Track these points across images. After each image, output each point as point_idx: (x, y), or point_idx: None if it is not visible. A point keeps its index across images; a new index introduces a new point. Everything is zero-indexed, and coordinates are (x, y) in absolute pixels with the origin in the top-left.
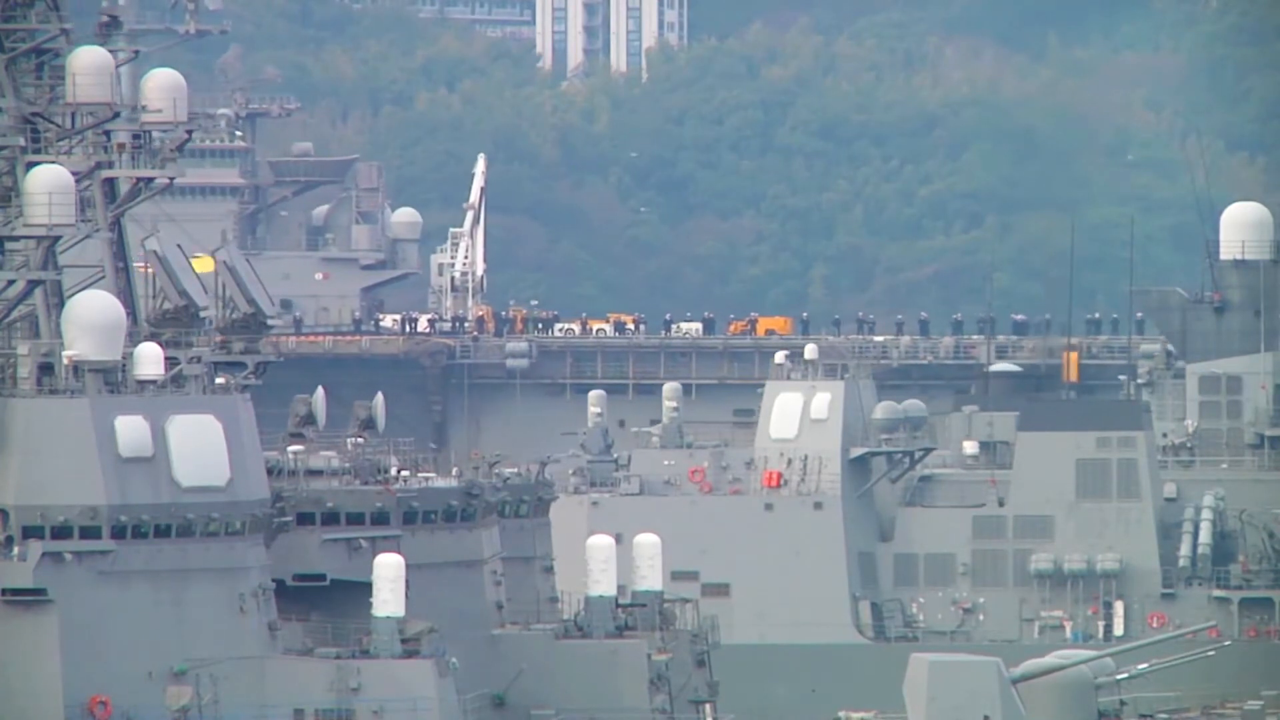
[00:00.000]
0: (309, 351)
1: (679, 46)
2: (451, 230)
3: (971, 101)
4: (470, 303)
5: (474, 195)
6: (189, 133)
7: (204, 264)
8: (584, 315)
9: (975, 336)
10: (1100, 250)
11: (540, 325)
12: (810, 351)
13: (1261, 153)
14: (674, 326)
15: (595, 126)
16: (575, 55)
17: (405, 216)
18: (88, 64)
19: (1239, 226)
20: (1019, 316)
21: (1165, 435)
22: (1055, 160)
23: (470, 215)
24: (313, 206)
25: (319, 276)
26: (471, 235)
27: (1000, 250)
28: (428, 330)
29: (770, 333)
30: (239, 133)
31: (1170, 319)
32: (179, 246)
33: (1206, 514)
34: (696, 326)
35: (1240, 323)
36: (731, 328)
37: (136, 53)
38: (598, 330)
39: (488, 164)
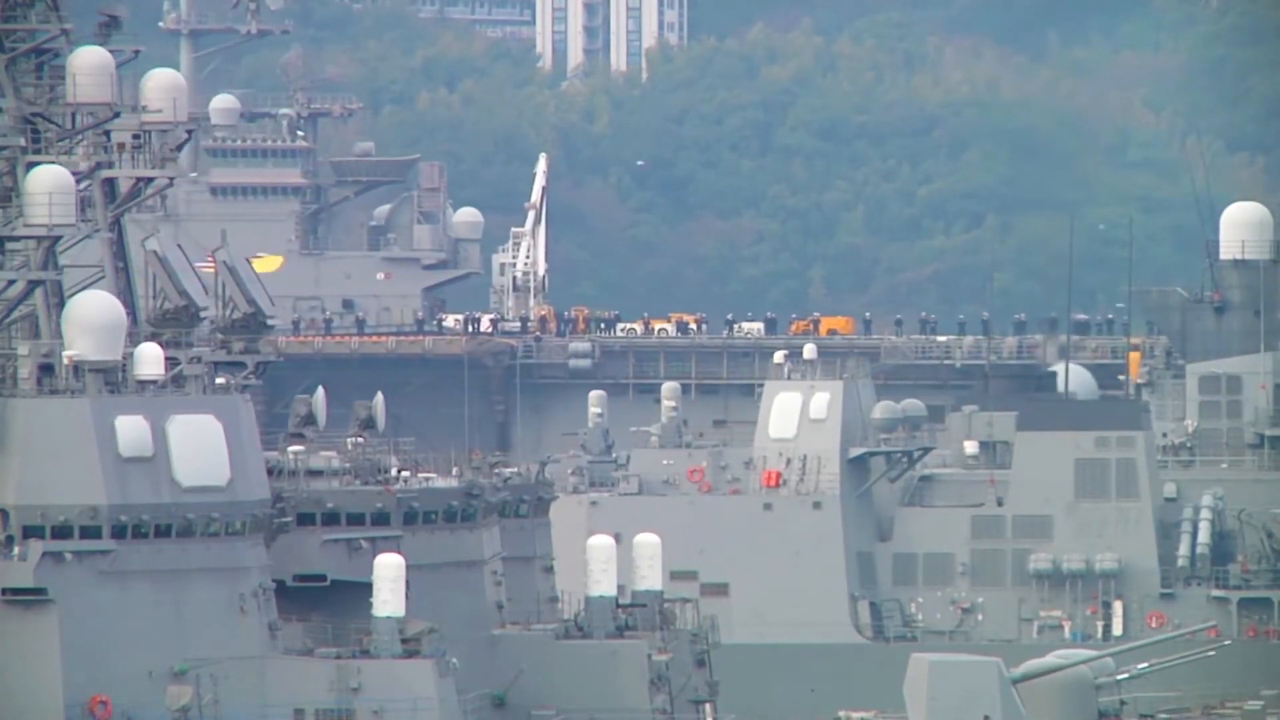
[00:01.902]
0: (371, 352)
1: (679, 46)
2: (513, 230)
3: (971, 101)
4: (531, 302)
5: (535, 195)
6: (189, 133)
7: (267, 263)
8: (646, 315)
9: (1037, 336)
10: (1100, 250)
11: (603, 325)
12: (809, 351)
13: (1261, 153)
14: (735, 327)
15: (595, 126)
16: (575, 55)
17: (467, 216)
18: (88, 64)
19: (1239, 226)
20: (1081, 316)
21: (1165, 435)
22: (1055, 160)
23: (531, 215)
24: (374, 206)
25: (380, 276)
26: (533, 235)
27: (1000, 250)
28: (490, 330)
29: (833, 333)
30: (301, 133)
31: (1170, 319)
32: (179, 246)
33: (1205, 514)
34: (758, 326)
35: (1240, 323)
36: (793, 328)
37: (137, 53)
38: (659, 330)
39: (549, 164)
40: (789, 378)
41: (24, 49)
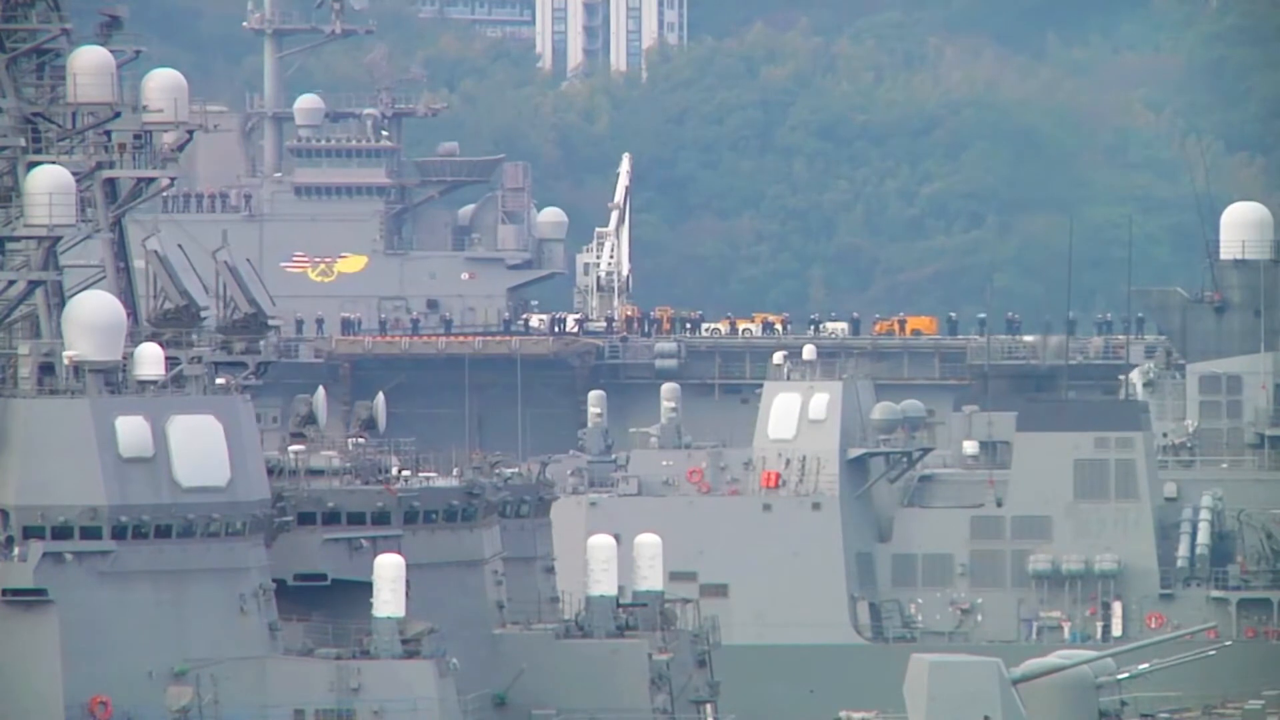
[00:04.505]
0: (458, 352)
1: (679, 46)
2: (597, 230)
3: (971, 101)
4: (616, 302)
5: (619, 195)
6: (190, 133)
7: (352, 263)
8: (730, 315)
9: (1121, 336)
10: (1100, 250)
11: (688, 325)
12: (809, 352)
13: (1261, 153)
14: (820, 326)
15: (595, 126)
16: (575, 55)
17: (551, 216)
18: (88, 64)
19: (1239, 226)
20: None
21: (1165, 435)
22: (1055, 160)
23: (615, 215)
24: (458, 206)
25: (465, 276)
26: (617, 235)
27: (1000, 250)
28: (576, 330)
29: (917, 333)
30: (385, 132)
31: (1170, 319)
32: (180, 246)
33: (1205, 514)
34: (843, 326)
35: (1240, 323)
36: (877, 327)
37: (138, 53)
38: (744, 330)
39: (632, 163)
40: (788, 378)
41: (25, 49)
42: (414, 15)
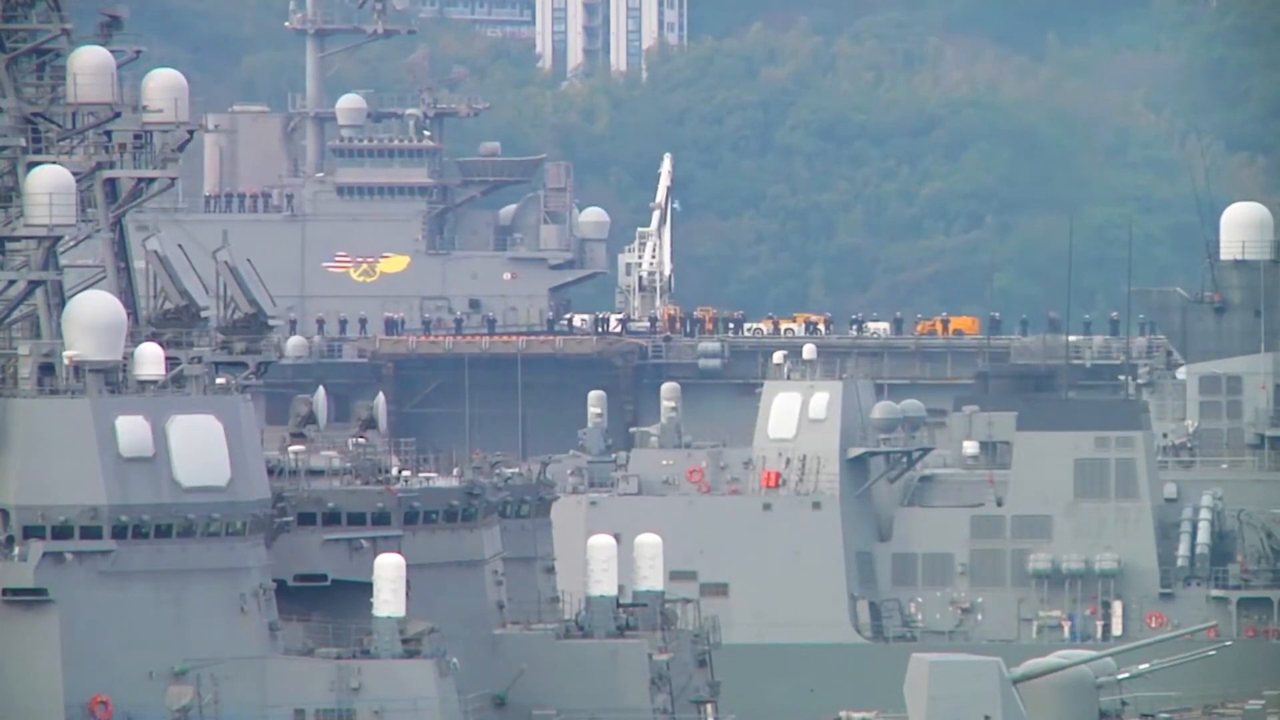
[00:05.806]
0: (502, 351)
1: (679, 46)
2: (639, 230)
3: (971, 101)
4: (658, 302)
5: (660, 195)
6: (190, 133)
7: (394, 263)
8: (772, 315)
9: (1162, 336)
10: (1100, 250)
11: (730, 325)
12: (809, 351)
13: (1261, 153)
14: (863, 326)
15: (595, 126)
16: (575, 55)
17: (593, 216)
18: (89, 64)
19: (1239, 226)
20: None
21: (1165, 435)
22: (1055, 160)
23: (657, 215)
24: (500, 206)
25: (507, 276)
26: (659, 235)
27: (1000, 250)
28: (619, 330)
29: (959, 333)
30: (427, 132)
31: (1170, 319)
32: (180, 246)
33: (1205, 514)
34: (885, 326)
35: (1240, 323)
36: (919, 327)
37: (138, 53)
38: (786, 330)
39: (674, 163)
40: (788, 378)
41: (25, 49)
42: (414, 15)
